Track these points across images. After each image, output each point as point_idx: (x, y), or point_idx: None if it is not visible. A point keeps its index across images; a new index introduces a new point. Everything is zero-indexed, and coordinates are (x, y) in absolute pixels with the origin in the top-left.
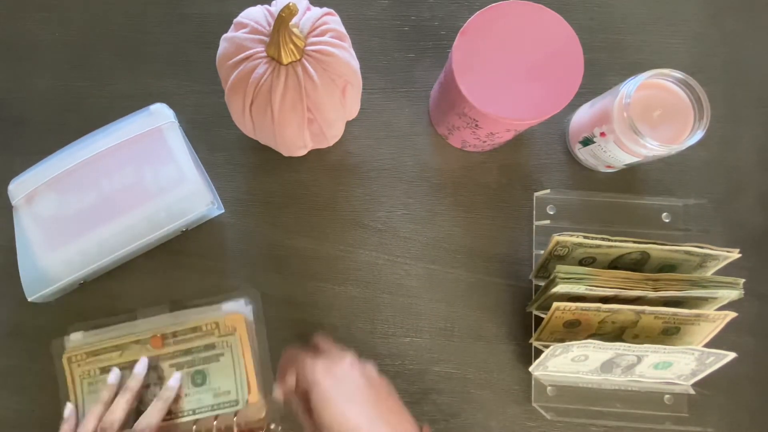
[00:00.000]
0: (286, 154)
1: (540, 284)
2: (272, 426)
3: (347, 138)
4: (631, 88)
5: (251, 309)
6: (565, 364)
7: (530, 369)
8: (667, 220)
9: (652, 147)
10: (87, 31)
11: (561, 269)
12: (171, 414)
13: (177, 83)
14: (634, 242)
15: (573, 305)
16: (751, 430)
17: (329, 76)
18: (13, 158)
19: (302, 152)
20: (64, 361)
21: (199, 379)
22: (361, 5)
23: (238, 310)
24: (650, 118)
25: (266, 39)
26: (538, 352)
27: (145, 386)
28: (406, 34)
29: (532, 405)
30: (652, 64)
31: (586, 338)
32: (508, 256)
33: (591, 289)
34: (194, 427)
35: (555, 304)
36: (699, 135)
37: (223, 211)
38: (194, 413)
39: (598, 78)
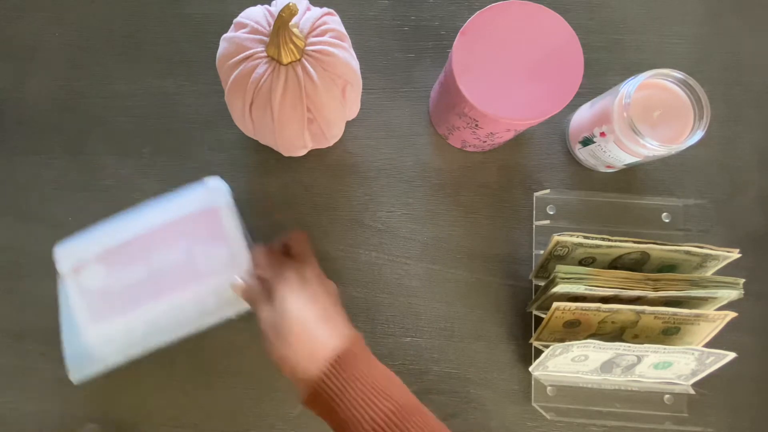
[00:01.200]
0: (286, 154)
1: (540, 284)
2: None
3: (347, 138)
4: (631, 88)
5: None
6: (565, 364)
7: (530, 369)
8: (667, 220)
9: (652, 147)
10: (87, 31)
11: (561, 269)
12: None
13: (177, 83)
14: (634, 242)
15: (573, 305)
16: (751, 430)
17: (329, 76)
18: (13, 158)
19: (302, 152)
20: None
21: None
22: (361, 5)
23: None
24: (650, 118)
25: (266, 39)
26: (538, 352)
27: None
28: (406, 34)
29: (532, 405)
30: (652, 64)
31: (586, 338)
32: (508, 256)
33: (591, 289)
34: None
35: (555, 304)
36: (699, 135)
37: None
38: None
39: (598, 78)
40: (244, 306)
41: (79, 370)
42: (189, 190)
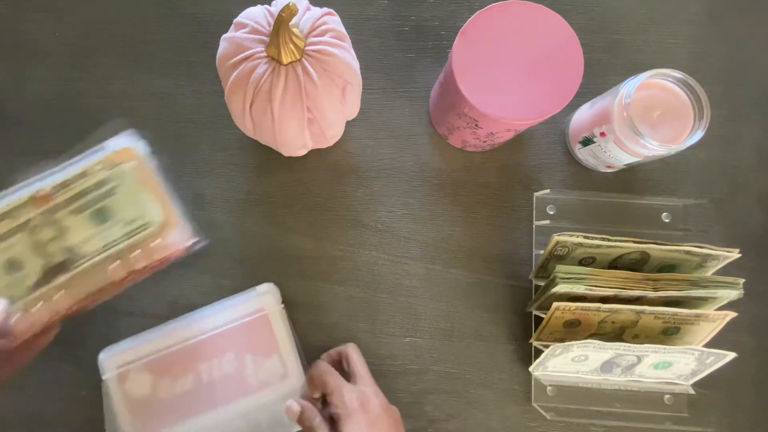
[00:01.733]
0: (286, 154)
1: (540, 284)
2: (196, 240)
3: (347, 138)
4: (631, 88)
5: (143, 143)
6: (565, 364)
7: (530, 369)
8: (667, 220)
9: (652, 147)
10: (87, 31)
11: (561, 269)
12: (84, 257)
13: (177, 83)
14: (634, 242)
15: (573, 305)
16: (751, 430)
17: (329, 76)
18: (13, 158)
19: (302, 152)
20: None
21: (101, 216)
22: (361, 5)
23: (126, 144)
24: (650, 118)
25: (266, 39)
26: (538, 352)
27: (48, 241)
28: (406, 34)
29: (532, 405)
30: (652, 64)
31: (586, 338)
32: (508, 256)
33: (591, 289)
34: (117, 263)
35: (555, 304)
36: (699, 135)
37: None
38: (107, 249)
39: (598, 78)
40: (298, 427)
41: None
42: (239, 296)
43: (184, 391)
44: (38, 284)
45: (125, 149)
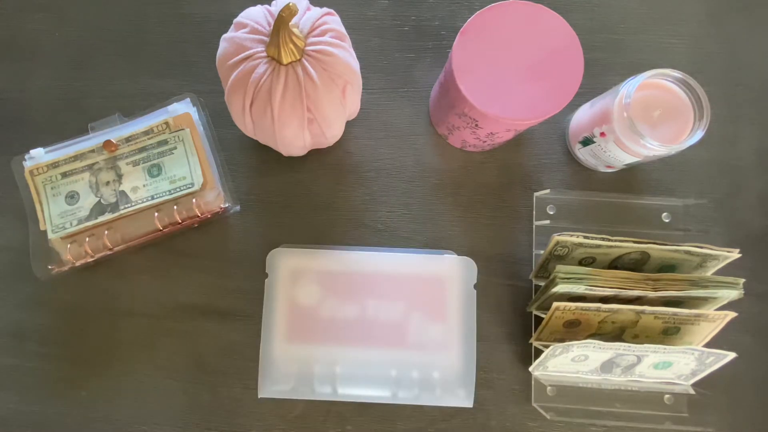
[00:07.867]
0: (286, 154)
1: (540, 284)
2: (228, 205)
3: (347, 138)
4: (631, 88)
5: (196, 110)
6: (565, 364)
7: (530, 369)
8: (667, 220)
9: (652, 147)
10: (87, 31)
11: (561, 269)
12: (132, 203)
13: (177, 83)
14: (634, 242)
15: (573, 305)
16: (751, 430)
17: (329, 76)
18: (13, 159)
19: (302, 152)
20: (27, 174)
21: (155, 171)
22: (361, 5)
23: (185, 109)
24: (650, 118)
25: (266, 39)
26: (538, 352)
27: (105, 183)
28: (406, 34)
29: (532, 405)
30: (652, 64)
31: (586, 338)
32: (508, 256)
33: (591, 289)
34: (156, 214)
35: (555, 304)
36: (699, 135)
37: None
38: (153, 199)
39: (598, 78)
40: (445, 402)
41: (266, 386)
42: (430, 255)
43: (347, 318)
44: (89, 218)
45: (186, 114)
